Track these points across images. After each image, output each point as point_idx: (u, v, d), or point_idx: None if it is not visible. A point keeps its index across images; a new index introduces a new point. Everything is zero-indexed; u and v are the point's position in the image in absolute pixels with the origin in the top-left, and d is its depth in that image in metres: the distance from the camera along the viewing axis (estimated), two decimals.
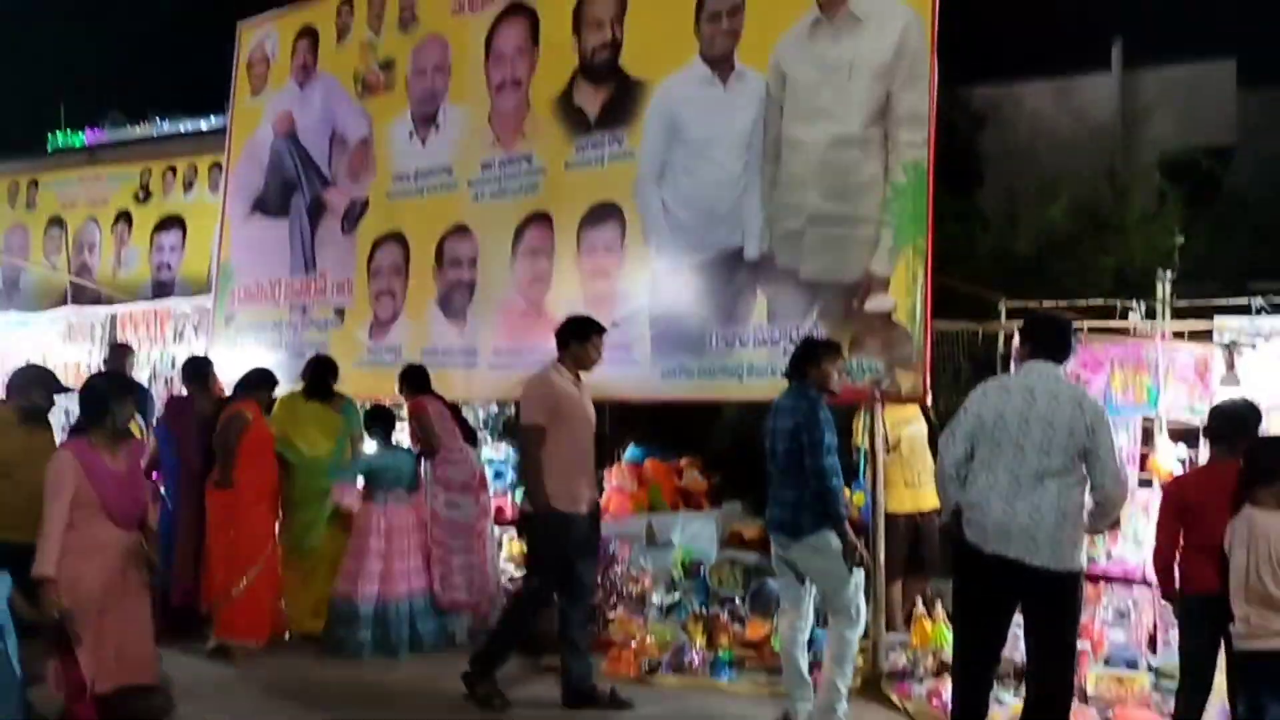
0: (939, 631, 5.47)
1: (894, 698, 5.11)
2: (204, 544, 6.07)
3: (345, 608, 5.94)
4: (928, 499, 5.81)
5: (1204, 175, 10.76)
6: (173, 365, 8.67)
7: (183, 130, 22.41)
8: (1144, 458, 5.56)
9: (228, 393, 6.48)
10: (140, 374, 8.57)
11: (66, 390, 5.17)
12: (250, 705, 5.23)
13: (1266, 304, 5.43)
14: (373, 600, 5.92)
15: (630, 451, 8.19)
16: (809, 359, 4.78)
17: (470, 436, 6.61)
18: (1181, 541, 4.26)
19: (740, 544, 6.66)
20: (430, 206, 7.48)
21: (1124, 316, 6.06)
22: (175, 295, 10.15)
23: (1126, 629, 5.41)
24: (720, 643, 5.69)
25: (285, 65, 8.68)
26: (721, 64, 6.00)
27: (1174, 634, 4.76)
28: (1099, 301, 6.35)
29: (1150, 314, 5.95)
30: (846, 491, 4.97)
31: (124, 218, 11.40)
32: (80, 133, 24.92)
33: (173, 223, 11.01)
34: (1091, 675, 4.97)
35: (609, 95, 6.52)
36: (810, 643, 4.94)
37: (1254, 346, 5.28)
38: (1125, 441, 5.57)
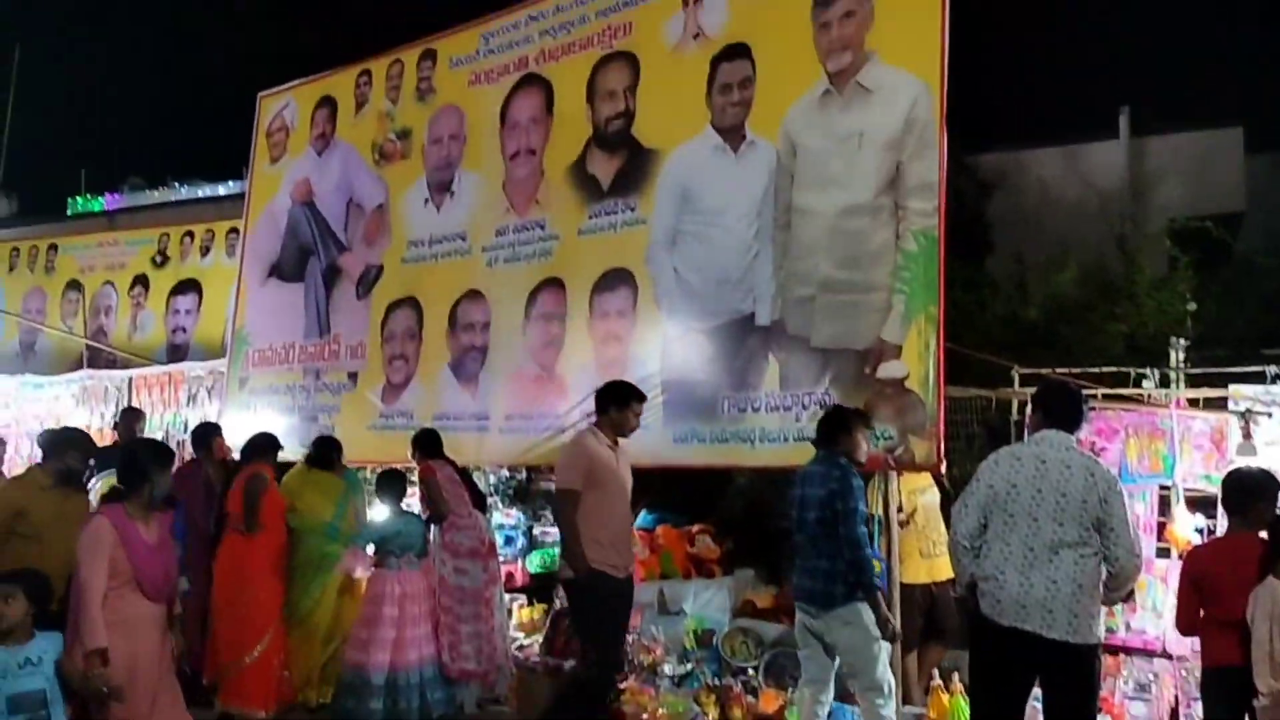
0: (956, 705, 5.36)
1: None
2: (210, 609, 6.02)
3: (356, 678, 5.78)
4: (942, 568, 5.73)
5: (1213, 241, 10.77)
6: (185, 429, 8.70)
7: (200, 195, 22.77)
8: (1162, 526, 5.51)
9: (234, 455, 6.48)
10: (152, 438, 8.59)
11: (103, 453, 5.15)
12: None
13: None
14: (384, 669, 5.79)
15: (642, 517, 8.10)
16: (842, 427, 4.77)
17: (480, 502, 6.57)
18: (1201, 613, 4.20)
19: (753, 613, 6.56)
20: (444, 272, 7.55)
21: (1137, 384, 6.04)
22: (190, 359, 10.22)
23: (1148, 702, 5.31)
24: (734, 714, 5.59)
25: (304, 134, 8.84)
26: (733, 134, 6.07)
27: (1197, 707, 4.67)
28: (1112, 369, 6.33)
29: (1164, 381, 5.92)
30: (876, 563, 4.91)
31: (140, 281, 11.55)
32: (100, 198, 25.37)
33: (189, 286, 11.15)
34: None
35: (622, 163, 6.60)
36: (830, 716, 4.84)
37: (1270, 415, 5.25)
38: (1143, 511, 5.54)
